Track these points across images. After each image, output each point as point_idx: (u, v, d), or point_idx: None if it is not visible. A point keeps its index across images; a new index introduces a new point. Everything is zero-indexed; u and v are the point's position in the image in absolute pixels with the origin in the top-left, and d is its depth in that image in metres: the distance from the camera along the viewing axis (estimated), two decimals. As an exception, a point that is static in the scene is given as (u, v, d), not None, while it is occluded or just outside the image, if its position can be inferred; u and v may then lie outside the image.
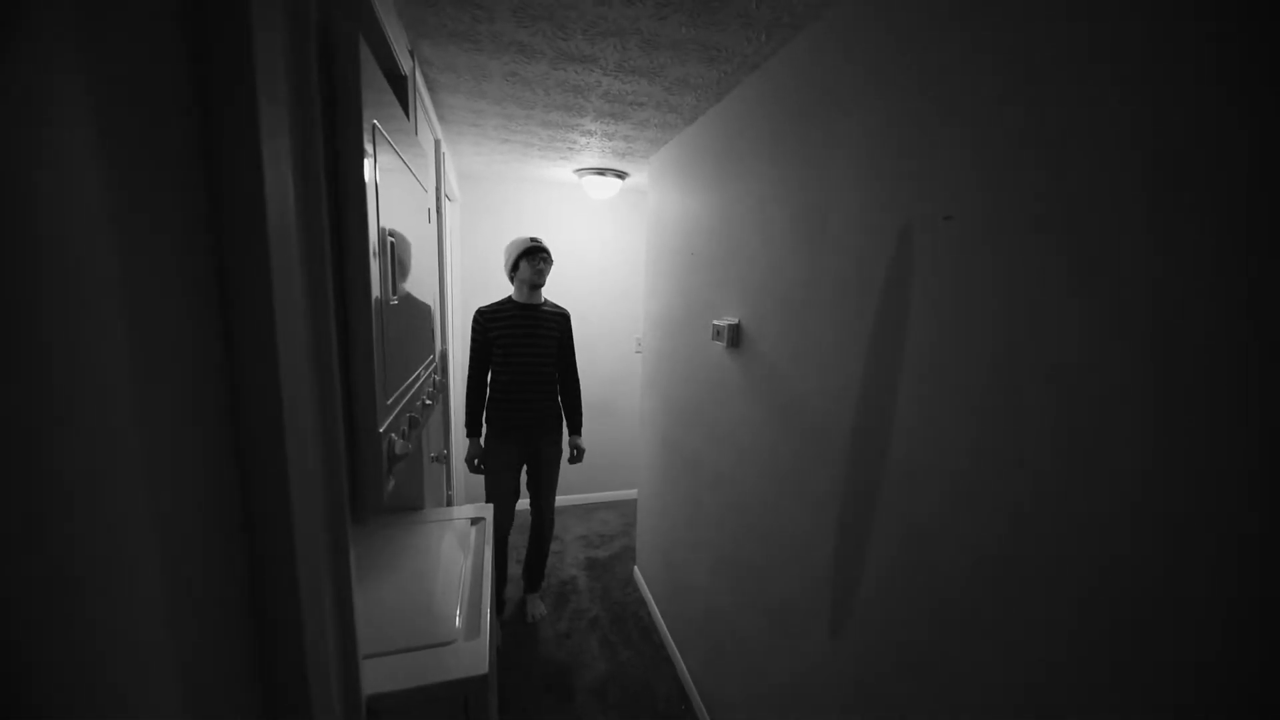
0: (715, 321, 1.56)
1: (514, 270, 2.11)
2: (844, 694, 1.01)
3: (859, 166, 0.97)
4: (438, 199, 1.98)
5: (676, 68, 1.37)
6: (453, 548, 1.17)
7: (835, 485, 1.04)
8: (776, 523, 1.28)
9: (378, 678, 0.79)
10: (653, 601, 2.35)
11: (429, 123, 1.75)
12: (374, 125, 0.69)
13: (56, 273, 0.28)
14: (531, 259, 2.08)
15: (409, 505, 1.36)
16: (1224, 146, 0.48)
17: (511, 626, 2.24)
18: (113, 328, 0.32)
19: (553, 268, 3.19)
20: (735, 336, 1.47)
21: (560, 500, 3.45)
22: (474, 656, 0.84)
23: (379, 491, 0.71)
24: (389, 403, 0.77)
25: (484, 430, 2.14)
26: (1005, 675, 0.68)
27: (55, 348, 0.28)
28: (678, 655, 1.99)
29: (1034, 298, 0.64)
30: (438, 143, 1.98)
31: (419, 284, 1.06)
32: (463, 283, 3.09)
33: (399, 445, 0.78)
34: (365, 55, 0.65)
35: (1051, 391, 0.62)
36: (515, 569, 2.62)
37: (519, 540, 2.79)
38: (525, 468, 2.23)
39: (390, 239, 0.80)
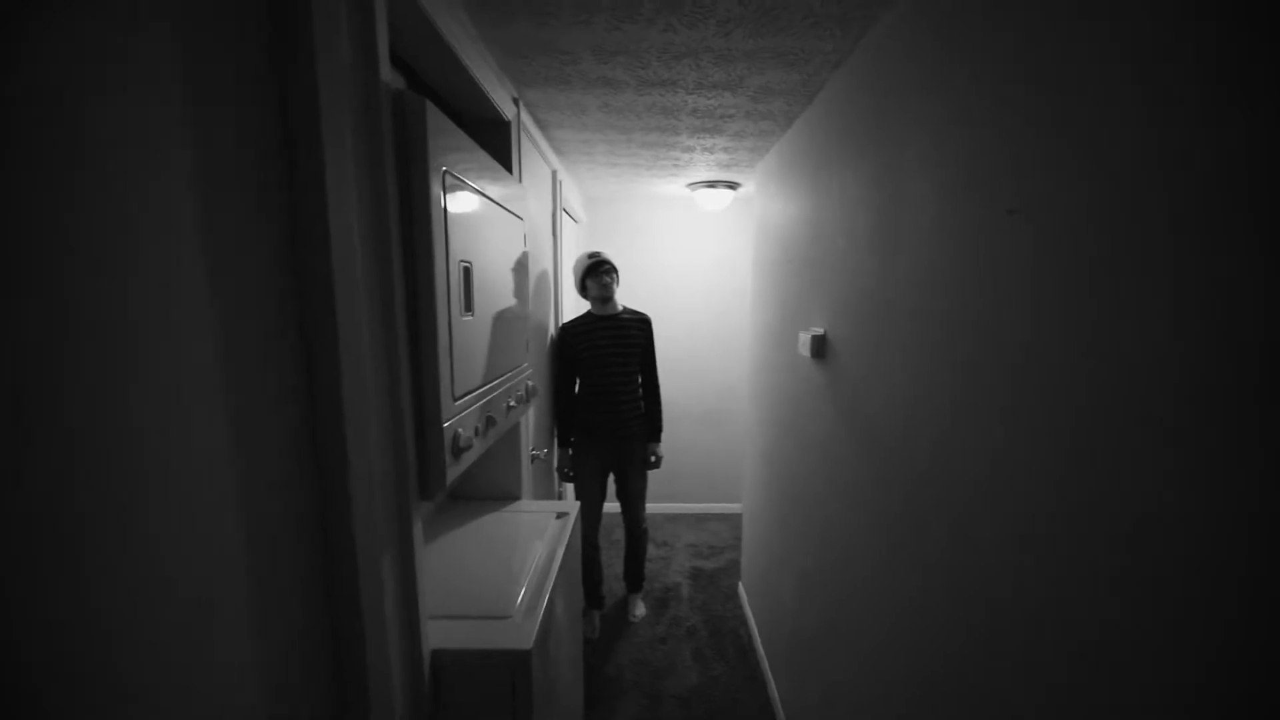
0: (803, 332, 1.50)
1: (584, 289, 2.20)
2: (913, 749, 0.89)
3: (926, 165, 0.87)
4: (554, 223, 2.21)
5: (756, 76, 1.37)
6: (532, 537, 1.30)
7: (902, 508, 0.94)
8: (851, 548, 1.18)
9: (446, 635, 0.92)
10: (753, 620, 2.28)
11: (543, 157, 1.97)
12: (444, 170, 0.84)
13: (162, 292, 0.43)
14: (595, 275, 2.14)
15: (506, 495, 1.54)
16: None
17: (612, 623, 2.35)
18: (206, 343, 0.47)
19: (666, 280, 3.34)
20: (820, 347, 1.39)
21: (673, 508, 3.52)
22: (525, 634, 0.94)
23: (441, 473, 0.85)
24: (457, 402, 0.91)
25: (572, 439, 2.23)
26: None
27: (160, 363, 0.42)
28: (770, 678, 1.91)
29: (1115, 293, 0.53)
30: (554, 173, 2.21)
31: (505, 301, 1.21)
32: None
33: (464, 438, 0.91)
34: (433, 116, 0.79)
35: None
36: (621, 567, 2.74)
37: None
38: (613, 475, 2.29)
39: (464, 265, 0.95)
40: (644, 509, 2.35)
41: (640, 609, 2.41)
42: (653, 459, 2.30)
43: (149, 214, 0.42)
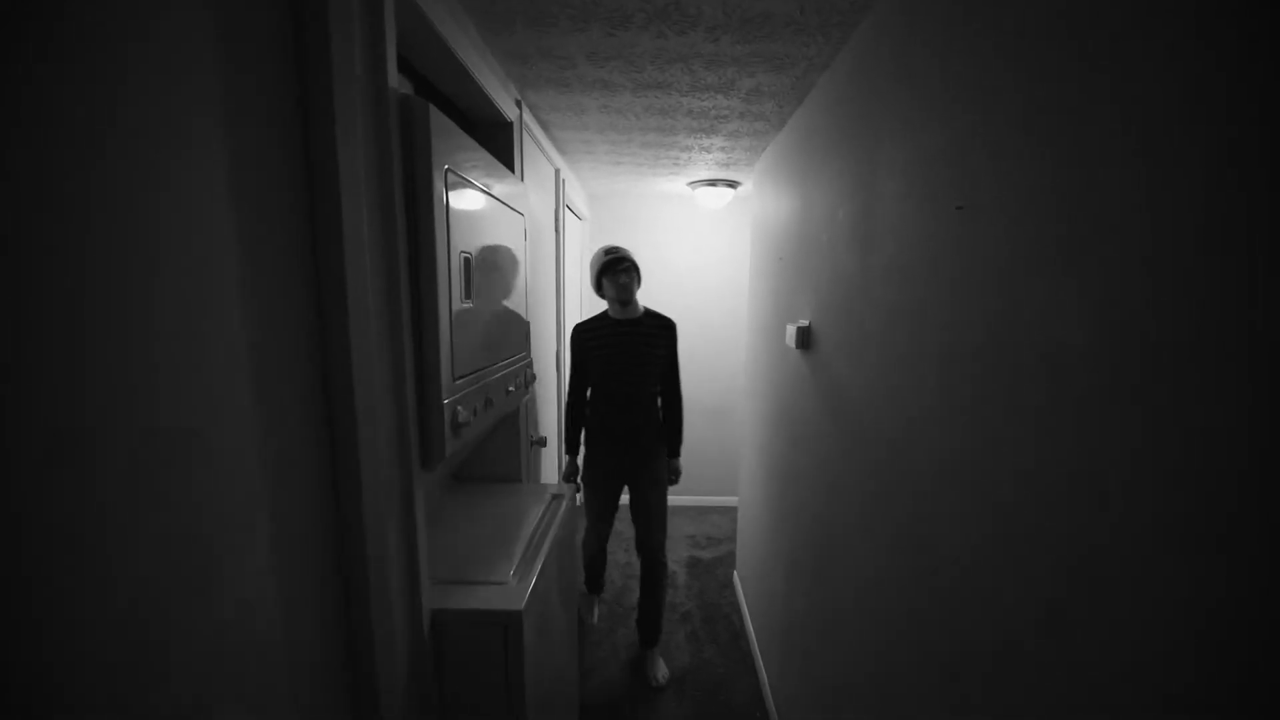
0: (790, 324, 1.56)
1: (600, 288, 1.94)
2: None
3: (899, 162, 0.94)
4: (556, 219, 2.28)
5: (746, 79, 1.43)
6: (529, 515, 1.38)
7: (879, 500, 1.00)
8: (828, 536, 1.24)
9: (447, 597, 1.00)
10: (746, 609, 2.34)
11: (545, 155, 2.04)
12: (445, 168, 0.91)
13: (206, 280, 0.51)
14: (612, 274, 1.86)
15: (507, 478, 1.62)
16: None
17: (609, 608, 2.43)
18: (231, 324, 0.55)
19: (670, 277, 3.40)
20: (806, 338, 1.46)
21: (673, 500, 3.54)
22: (517, 597, 1.01)
23: (441, 445, 0.92)
24: (457, 382, 0.99)
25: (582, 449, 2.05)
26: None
27: (198, 339, 0.50)
28: (761, 665, 1.97)
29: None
30: (557, 171, 2.28)
31: (505, 291, 1.28)
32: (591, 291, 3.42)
33: (463, 414, 0.99)
34: (436, 119, 0.87)
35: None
36: (624, 556, 2.80)
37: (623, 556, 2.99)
38: (628, 490, 2.03)
39: (465, 256, 1.03)
40: (663, 536, 2.00)
41: (662, 669, 1.98)
42: (671, 476, 2.06)
43: (192, 213, 0.50)
